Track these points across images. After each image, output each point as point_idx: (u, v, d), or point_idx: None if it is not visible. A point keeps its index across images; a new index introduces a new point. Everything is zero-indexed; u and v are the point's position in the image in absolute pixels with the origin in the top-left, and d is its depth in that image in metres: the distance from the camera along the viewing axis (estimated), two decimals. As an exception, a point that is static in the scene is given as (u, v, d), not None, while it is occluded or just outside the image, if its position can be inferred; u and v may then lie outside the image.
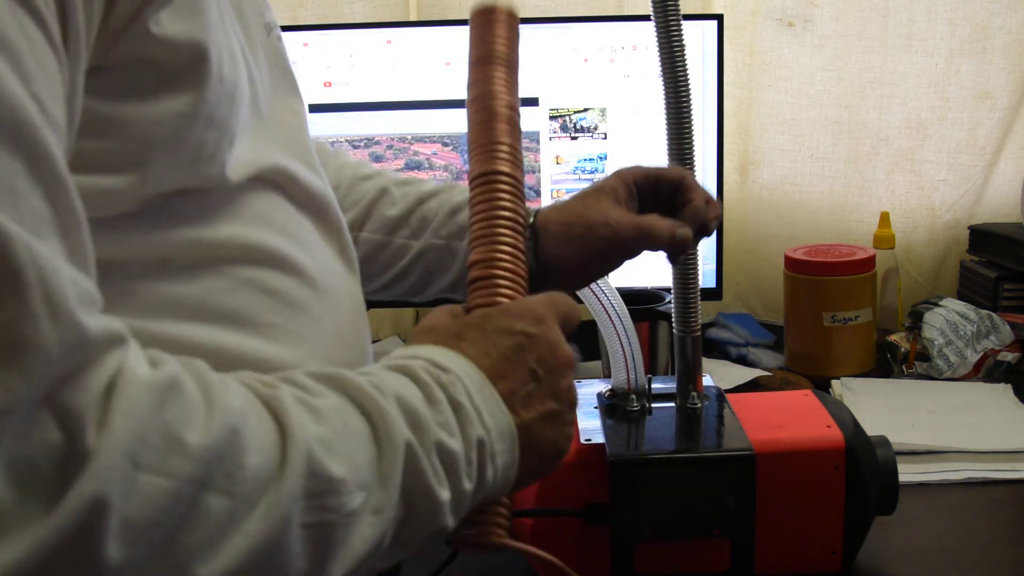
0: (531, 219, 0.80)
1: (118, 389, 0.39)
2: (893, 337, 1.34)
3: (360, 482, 0.46)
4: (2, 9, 0.38)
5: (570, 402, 0.58)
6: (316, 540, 0.45)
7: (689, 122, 0.82)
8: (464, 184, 0.83)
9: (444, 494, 0.50)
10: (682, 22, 0.80)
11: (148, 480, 0.39)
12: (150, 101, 0.49)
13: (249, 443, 0.43)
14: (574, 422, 0.60)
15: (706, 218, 0.79)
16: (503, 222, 0.64)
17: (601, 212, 0.78)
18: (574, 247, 0.79)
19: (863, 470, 0.82)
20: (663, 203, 0.80)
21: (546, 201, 1.40)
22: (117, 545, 0.38)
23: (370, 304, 0.74)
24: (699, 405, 0.87)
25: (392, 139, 1.37)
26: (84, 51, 0.44)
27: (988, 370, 1.28)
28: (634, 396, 0.88)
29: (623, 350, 0.88)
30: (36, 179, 0.38)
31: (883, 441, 0.86)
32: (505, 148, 0.66)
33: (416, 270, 0.86)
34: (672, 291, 0.86)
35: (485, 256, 0.63)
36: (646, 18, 0.81)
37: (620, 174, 0.81)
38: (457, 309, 0.62)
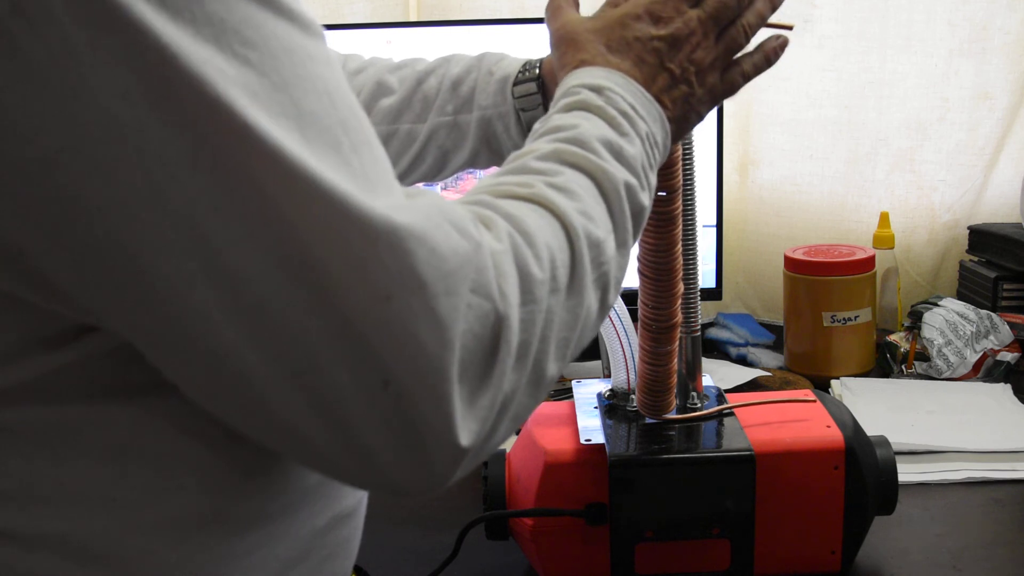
0: (536, 69, 0.79)
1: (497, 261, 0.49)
2: (893, 337, 1.35)
3: (608, 229, 0.56)
4: None
5: (698, 74, 0.67)
6: (600, 287, 0.55)
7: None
8: (461, 54, 0.83)
9: (646, 196, 0.61)
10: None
11: (529, 310, 0.50)
12: None
13: (555, 252, 0.52)
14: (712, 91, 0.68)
15: None
16: None
17: None
18: None
19: (863, 470, 0.82)
20: None
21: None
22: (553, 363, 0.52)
23: None
24: (699, 405, 0.87)
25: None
26: None
27: (987, 370, 1.28)
28: (634, 396, 0.88)
29: (623, 350, 0.88)
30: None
31: (883, 441, 0.87)
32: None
33: (430, 152, 0.84)
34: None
35: None
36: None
37: None
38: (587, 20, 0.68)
